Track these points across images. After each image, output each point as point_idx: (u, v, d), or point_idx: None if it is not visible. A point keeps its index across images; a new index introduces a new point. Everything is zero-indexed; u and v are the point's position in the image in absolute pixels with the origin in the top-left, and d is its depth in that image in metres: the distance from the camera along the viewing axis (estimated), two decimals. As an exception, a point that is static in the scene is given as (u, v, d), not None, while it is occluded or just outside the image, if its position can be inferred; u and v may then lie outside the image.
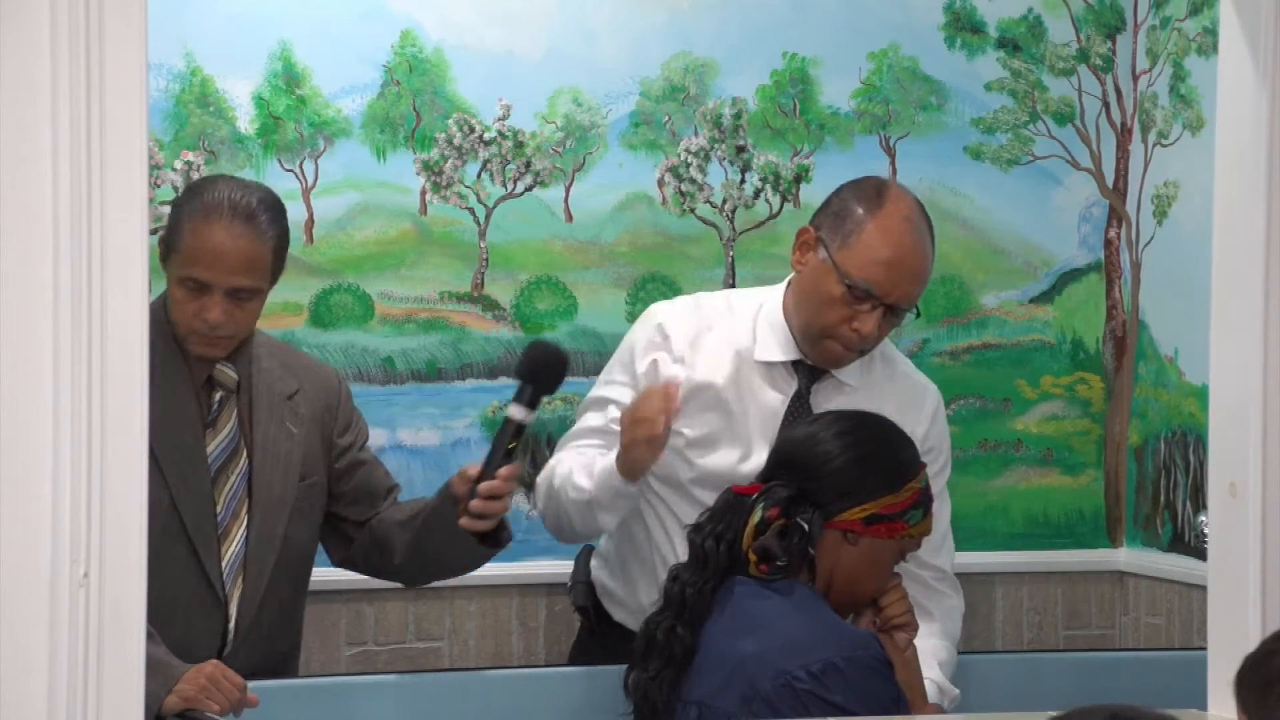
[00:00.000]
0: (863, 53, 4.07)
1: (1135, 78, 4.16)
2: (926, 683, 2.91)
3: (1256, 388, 2.69)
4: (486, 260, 3.93)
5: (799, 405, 3.08)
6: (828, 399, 3.09)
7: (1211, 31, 3.71)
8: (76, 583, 1.98)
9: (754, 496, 2.80)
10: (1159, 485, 4.04)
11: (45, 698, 1.97)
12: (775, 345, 3.08)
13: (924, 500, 2.85)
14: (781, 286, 3.15)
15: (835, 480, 2.77)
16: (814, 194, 4.04)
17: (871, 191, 3.04)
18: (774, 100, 4.05)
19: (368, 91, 3.88)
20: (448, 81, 3.90)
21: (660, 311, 3.17)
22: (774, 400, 3.07)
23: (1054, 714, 1.75)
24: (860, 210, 3.00)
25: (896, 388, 3.15)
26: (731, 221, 4.03)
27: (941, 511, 3.16)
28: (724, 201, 4.03)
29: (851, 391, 3.09)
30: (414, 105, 3.89)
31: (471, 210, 3.93)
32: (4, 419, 1.97)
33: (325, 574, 3.82)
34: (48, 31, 1.97)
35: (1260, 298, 2.69)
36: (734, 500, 2.83)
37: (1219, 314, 2.82)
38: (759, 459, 2.96)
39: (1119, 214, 4.18)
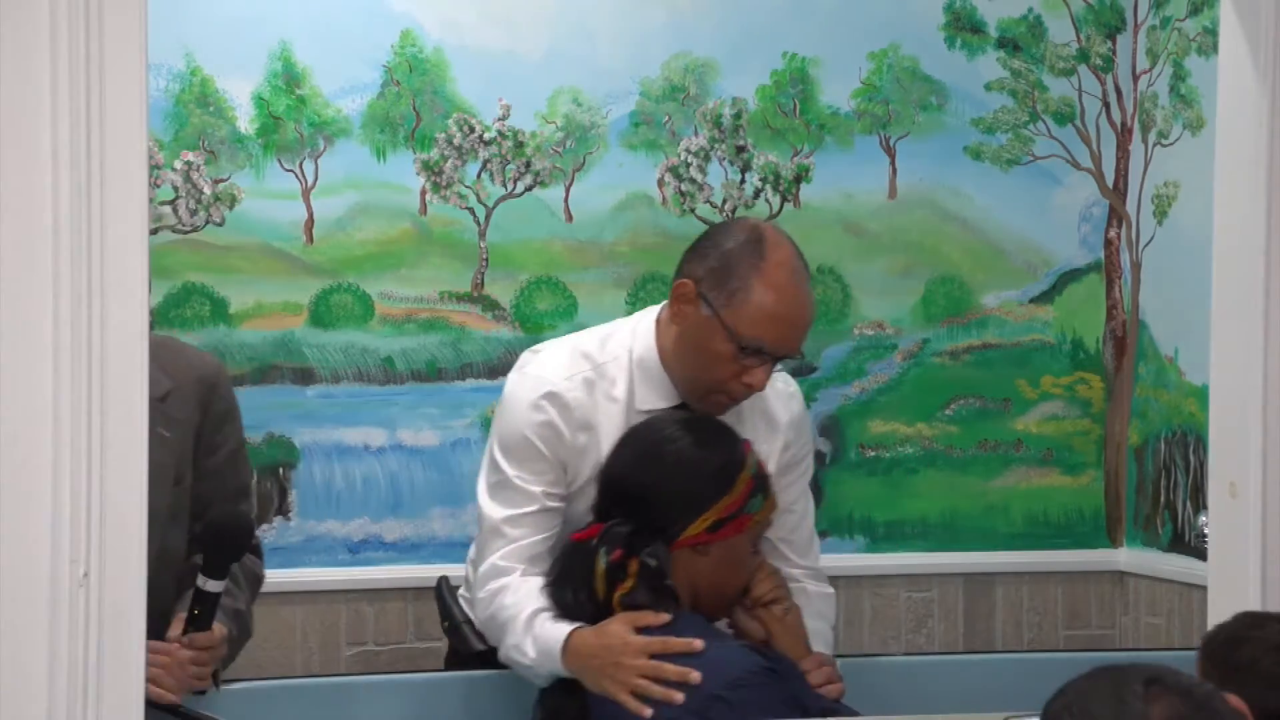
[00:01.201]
0: (863, 53, 4.07)
1: (1135, 78, 4.16)
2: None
3: (1256, 388, 2.70)
4: (486, 260, 3.93)
5: None
6: None
7: (1211, 31, 3.70)
8: (76, 583, 1.98)
9: (594, 541, 2.73)
10: (1159, 485, 4.04)
11: (45, 698, 1.96)
12: (655, 394, 2.96)
13: (760, 485, 2.79)
14: (649, 325, 3.02)
15: (669, 503, 2.71)
16: (814, 194, 4.05)
17: (750, 241, 2.90)
18: (774, 100, 4.05)
19: (368, 91, 3.88)
20: (448, 81, 3.90)
21: (545, 376, 2.98)
22: None
23: (1095, 667, 1.75)
24: (743, 264, 2.86)
25: (762, 401, 3.04)
26: (731, 221, 4.03)
27: (807, 510, 3.13)
28: (724, 201, 4.03)
29: (728, 419, 2.99)
30: (414, 105, 3.89)
31: (471, 210, 3.93)
32: (4, 419, 1.97)
33: (325, 574, 3.84)
34: (48, 31, 1.97)
35: (1260, 298, 2.69)
36: (574, 549, 2.77)
37: (1219, 314, 2.82)
38: None
39: (1119, 214, 4.18)
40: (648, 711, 2.64)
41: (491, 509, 2.95)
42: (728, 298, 2.86)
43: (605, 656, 2.70)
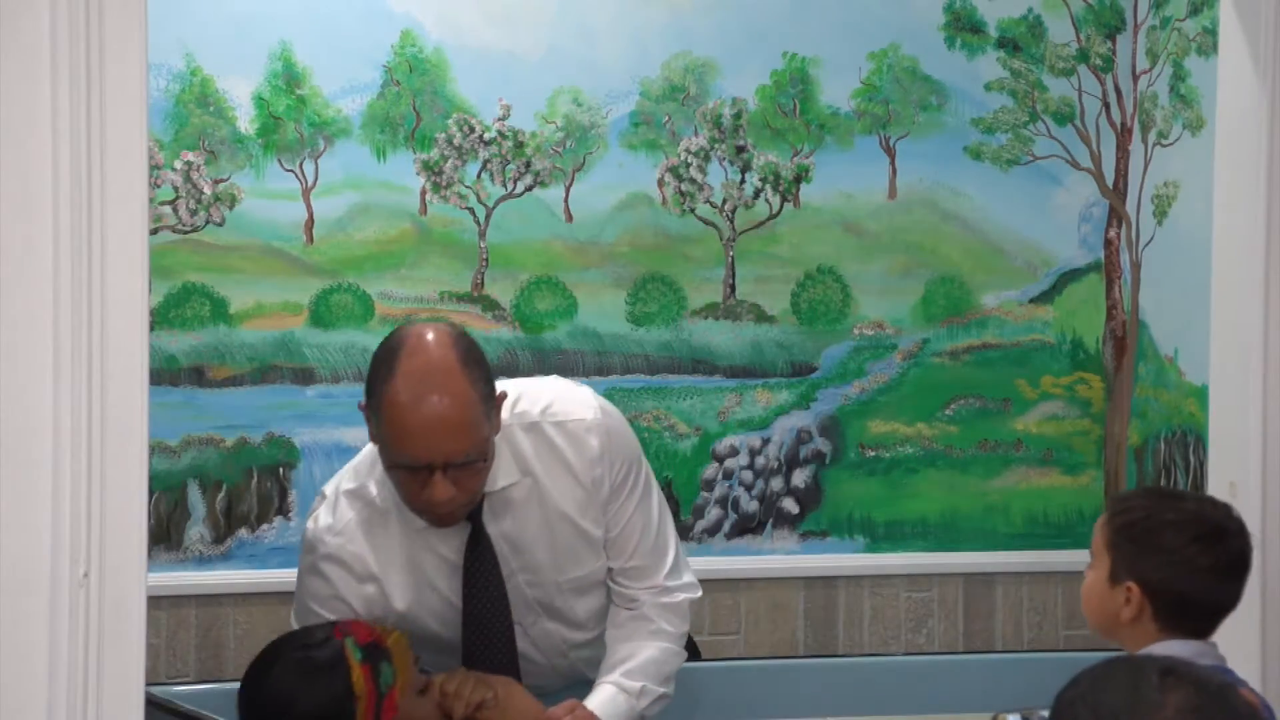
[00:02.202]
0: (863, 53, 4.07)
1: (1135, 78, 4.16)
2: (604, 686, 2.88)
3: (1256, 388, 2.70)
4: (486, 260, 3.94)
5: (479, 540, 2.90)
6: (503, 513, 2.90)
7: (1211, 31, 3.70)
8: (76, 583, 1.98)
9: None
10: (1159, 485, 4.04)
11: (45, 697, 1.96)
12: None
13: (374, 659, 2.67)
14: None
15: None
16: (814, 194, 4.05)
17: (386, 354, 2.75)
18: (774, 100, 4.05)
19: (368, 91, 3.88)
20: (448, 81, 3.91)
21: (319, 534, 2.90)
22: (451, 550, 2.89)
23: (1109, 658, 1.75)
24: (378, 379, 2.73)
25: (559, 452, 2.91)
26: (731, 221, 4.03)
27: (644, 531, 2.99)
28: (724, 201, 4.03)
29: (520, 487, 2.90)
30: (414, 105, 3.89)
31: (471, 210, 3.93)
32: (4, 419, 1.97)
33: (325, 574, 3.83)
34: (48, 32, 1.97)
35: (1260, 298, 2.69)
36: None
37: (1219, 314, 2.82)
38: (455, 604, 2.89)
39: (1119, 214, 4.18)
40: None
41: None
42: (374, 414, 2.76)
43: None
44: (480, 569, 2.91)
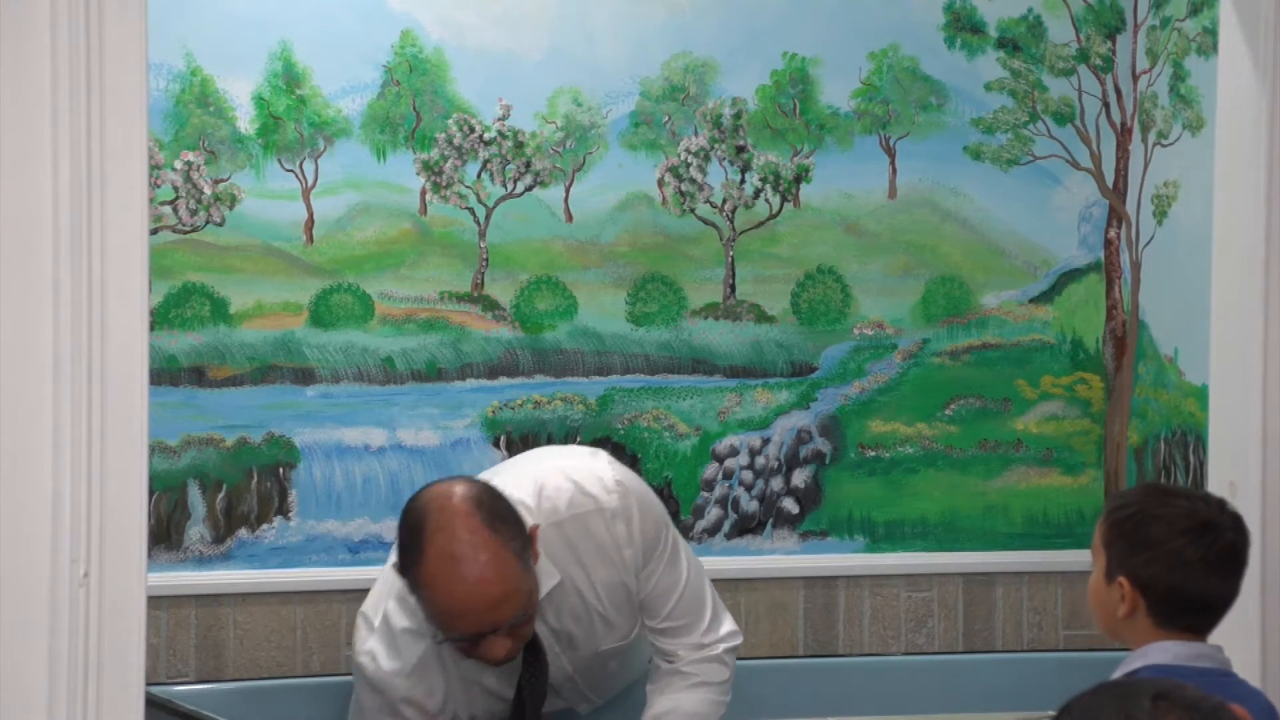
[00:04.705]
0: (863, 53, 4.07)
1: (1135, 78, 4.16)
2: None
3: (1256, 388, 2.70)
4: (486, 260, 3.93)
5: (536, 649, 2.94)
6: (546, 612, 2.92)
7: (1211, 31, 3.70)
8: (76, 583, 1.98)
9: None
10: (1159, 485, 4.04)
11: (45, 697, 1.96)
12: None
13: None
14: None
15: None
16: (814, 194, 4.05)
17: (412, 528, 2.74)
18: (774, 100, 4.05)
19: (368, 91, 3.88)
20: (448, 81, 3.90)
21: (388, 684, 2.95)
22: (511, 662, 2.91)
23: (1100, 683, 1.75)
24: (410, 562, 2.73)
25: (589, 542, 2.94)
26: (731, 221, 4.03)
27: (675, 591, 3.01)
28: (724, 201, 4.03)
29: (560, 587, 2.92)
30: (414, 105, 3.89)
31: (471, 210, 3.93)
32: (4, 419, 1.97)
33: (325, 574, 3.84)
34: (48, 31, 1.97)
35: (1260, 298, 2.69)
36: None
37: (1219, 314, 2.82)
38: (503, 696, 2.95)
39: (1119, 214, 4.18)
40: None
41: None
42: (413, 592, 2.77)
43: None
44: (533, 674, 2.95)
